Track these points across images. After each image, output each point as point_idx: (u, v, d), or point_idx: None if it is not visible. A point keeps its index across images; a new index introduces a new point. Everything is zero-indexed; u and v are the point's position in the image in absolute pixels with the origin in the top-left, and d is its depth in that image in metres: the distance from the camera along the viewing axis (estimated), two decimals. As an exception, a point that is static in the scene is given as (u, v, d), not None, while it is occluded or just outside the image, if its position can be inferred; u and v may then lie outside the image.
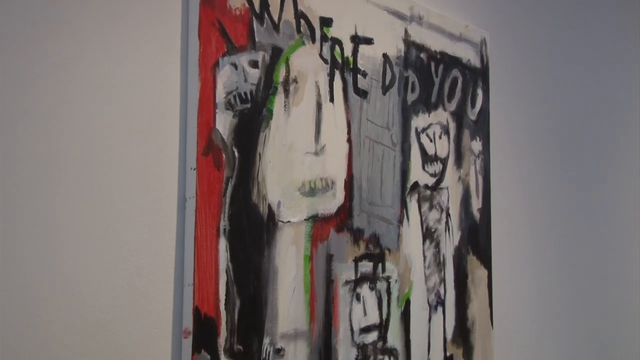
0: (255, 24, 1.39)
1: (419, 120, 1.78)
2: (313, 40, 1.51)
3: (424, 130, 1.79)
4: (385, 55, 1.69)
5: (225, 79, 1.33)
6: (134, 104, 1.23)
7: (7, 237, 1.07)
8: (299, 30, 1.48)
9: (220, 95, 1.32)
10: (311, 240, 1.47)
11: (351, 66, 1.60)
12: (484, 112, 2.01)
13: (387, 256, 1.66)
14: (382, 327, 1.64)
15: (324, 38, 1.54)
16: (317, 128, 1.51)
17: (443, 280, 1.83)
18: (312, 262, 1.47)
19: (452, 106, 1.90)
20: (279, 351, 1.39)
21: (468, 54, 1.96)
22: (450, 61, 1.89)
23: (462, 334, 1.89)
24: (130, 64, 1.23)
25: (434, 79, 1.84)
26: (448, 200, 1.86)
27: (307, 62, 1.49)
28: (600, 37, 2.76)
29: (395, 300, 1.68)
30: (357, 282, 1.58)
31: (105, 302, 1.17)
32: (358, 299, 1.58)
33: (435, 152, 1.83)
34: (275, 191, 1.41)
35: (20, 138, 1.09)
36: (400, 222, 1.70)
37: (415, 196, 1.76)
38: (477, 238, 1.96)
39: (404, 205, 1.72)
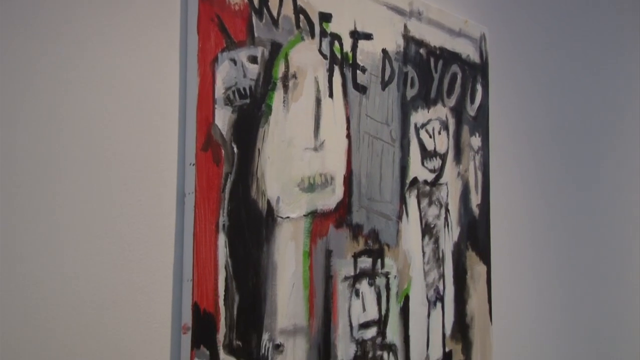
0: (254, 19, 1.39)
1: (418, 116, 1.78)
2: (312, 36, 1.51)
3: (423, 126, 1.79)
4: (384, 51, 1.69)
5: (224, 75, 1.33)
6: (133, 100, 1.23)
7: (7, 233, 1.07)
8: (298, 26, 1.48)
9: (220, 91, 1.32)
10: (310, 236, 1.47)
11: (350, 62, 1.60)
12: (483, 108, 2.01)
13: (386, 252, 1.66)
14: (381, 322, 1.64)
15: (323, 33, 1.53)
16: (316, 124, 1.51)
17: (442, 276, 1.83)
18: (311, 257, 1.47)
19: (452, 102, 1.90)
20: (278, 347, 1.39)
21: (467, 50, 1.96)
22: (449, 57, 1.89)
23: (461, 329, 1.89)
24: (129, 59, 1.23)
25: (433, 74, 1.84)
26: (447, 196, 1.86)
27: (306, 57, 1.49)
28: (600, 31, 2.76)
29: (395, 296, 1.68)
30: (356, 277, 1.58)
31: (104, 298, 1.17)
32: (357, 294, 1.58)
33: (435, 148, 1.83)
34: (274, 187, 1.41)
35: (18, 134, 1.09)
36: (400, 217, 1.70)
37: (415, 192, 1.76)
38: (476, 234, 1.96)
39: (403, 201, 1.72)
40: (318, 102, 1.51)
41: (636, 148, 2.94)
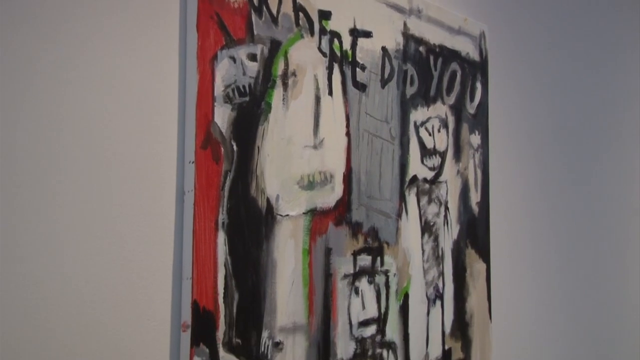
0: (253, 17, 1.39)
1: (418, 114, 1.78)
2: (312, 34, 1.51)
3: (422, 123, 1.79)
4: (384, 49, 1.69)
5: (223, 72, 1.33)
6: (132, 98, 1.23)
7: (6, 232, 1.07)
8: (297, 24, 1.48)
9: (219, 89, 1.32)
10: (310, 234, 1.47)
11: (350, 59, 1.59)
12: (483, 106, 2.01)
13: (386, 250, 1.66)
14: (381, 320, 1.64)
15: (323, 31, 1.53)
16: (315, 121, 1.50)
17: (441, 274, 1.83)
18: (311, 255, 1.47)
19: (451, 100, 1.89)
20: (277, 344, 1.39)
21: (467, 48, 1.96)
22: (449, 54, 1.89)
23: (461, 327, 1.89)
24: (128, 57, 1.23)
25: (433, 72, 1.84)
26: (447, 194, 1.86)
27: (305, 55, 1.49)
28: (599, 29, 2.76)
29: (394, 293, 1.68)
30: (356, 275, 1.58)
31: (103, 296, 1.17)
32: (357, 292, 1.58)
33: (434, 146, 1.83)
34: (273, 185, 1.41)
35: (17, 132, 1.09)
36: (399, 215, 1.70)
37: (414, 190, 1.76)
38: (475, 232, 1.96)
39: (402, 199, 1.72)
40: (317, 100, 1.51)
41: (636, 146, 2.94)
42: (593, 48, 2.70)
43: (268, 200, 1.39)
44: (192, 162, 1.28)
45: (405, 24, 1.75)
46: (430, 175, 1.81)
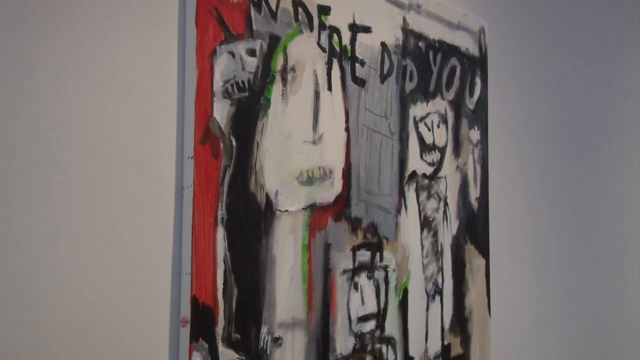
0: (252, 12, 1.39)
1: (417, 109, 1.78)
2: (311, 29, 1.51)
3: (422, 119, 1.79)
4: (383, 44, 1.68)
5: (222, 68, 1.33)
6: (131, 93, 1.23)
7: (4, 227, 1.07)
8: (296, 19, 1.47)
9: (218, 84, 1.32)
10: (309, 229, 1.47)
11: (349, 55, 1.59)
12: (482, 101, 2.01)
13: (385, 245, 1.66)
14: (380, 316, 1.64)
15: (322, 26, 1.53)
16: (315, 117, 1.50)
17: (441, 270, 1.83)
18: (310, 251, 1.47)
19: (451, 95, 1.89)
20: (276, 340, 1.39)
21: (466, 43, 1.95)
22: (448, 50, 1.89)
23: (460, 322, 1.89)
24: (127, 53, 1.22)
25: (432, 67, 1.84)
26: (446, 189, 1.86)
27: (304, 50, 1.49)
28: (599, 25, 2.76)
29: (393, 289, 1.68)
30: (355, 271, 1.58)
31: (103, 292, 1.17)
32: (356, 288, 1.58)
33: (434, 141, 1.82)
34: (273, 180, 1.41)
35: (16, 128, 1.09)
36: (398, 211, 1.70)
37: (413, 185, 1.75)
38: (475, 227, 1.96)
39: (402, 194, 1.72)
40: (317, 95, 1.51)
41: (636, 142, 2.94)
42: (592, 43, 2.70)
43: (267, 196, 1.39)
44: (191, 158, 1.28)
45: (404, 19, 1.74)
46: (429, 170, 1.81)
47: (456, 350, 1.88)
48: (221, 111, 1.32)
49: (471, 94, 1.97)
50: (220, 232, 1.31)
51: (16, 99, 1.09)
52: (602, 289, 2.66)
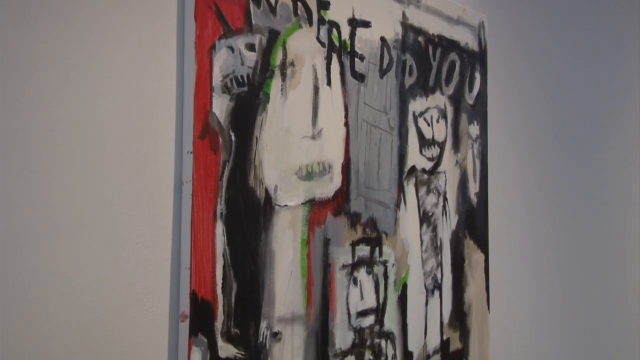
0: (252, 6, 1.38)
1: (417, 104, 1.77)
2: (310, 23, 1.50)
3: (421, 114, 1.79)
4: (382, 39, 1.68)
5: (221, 62, 1.33)
6: (130, 88, 1.22)
7: (2, 225, 1.07)
8: (296, 13, 1.47)
9: (217, 79, 1.32)
10: (308, 224, 1.47)
11: (348, 49, 1.59)
12: (482, 96, 2.01)
13: (384, 240, 1.66)
14: (379, 311, 1.64)
15: (321, 21, 1.53)
16: (314, 112, 1.50)
17: (440, 265, 1.83)
18: (309, 246, 1.47)
19: (450, 90, 1.89)
20: (276, 335, 1.39)
21: (466, 38, 1.95)
22: (448, 45, 1.89)
23: (459, 317, 1.90)
24: (126, 47, 1.22)
25: (432, 62, 1.83)
26: (445, 184, 1.86)
27: (304, 45, 1.48)
28: (599, 20, 2.75)
29: (392, 284, 1.68)
30: (354, 266, 1.58)
31: (102, 287, 1.17)
32: (355, 282, 1.58)
33: (433, 136, 1.82)
34: (272, 175, 1.40)
35: (15, 125, 1.09)
36: (398, 206, 1.70)
37: (413, 180, 1.75)
38: (474, 222, 1.96)
39: (401, 189, 1.72)
40: (316, 90, 1.51)
41: (636, 140, 2.93)
42: (592, 39, 2.69)
43: (266, 191, 1.39)
44: (190, 153, 1.28)
45: (404, 14, 1.74)
46: (428, 165, 1.81)
47: (455, 345, 1.88)
48: (220, 106, 1.32)
49: (470, 89, 1.97)
50: (220, 227, 1.31)
51: (15, 91, 1.09)
52: (601, 284, 2.66)
